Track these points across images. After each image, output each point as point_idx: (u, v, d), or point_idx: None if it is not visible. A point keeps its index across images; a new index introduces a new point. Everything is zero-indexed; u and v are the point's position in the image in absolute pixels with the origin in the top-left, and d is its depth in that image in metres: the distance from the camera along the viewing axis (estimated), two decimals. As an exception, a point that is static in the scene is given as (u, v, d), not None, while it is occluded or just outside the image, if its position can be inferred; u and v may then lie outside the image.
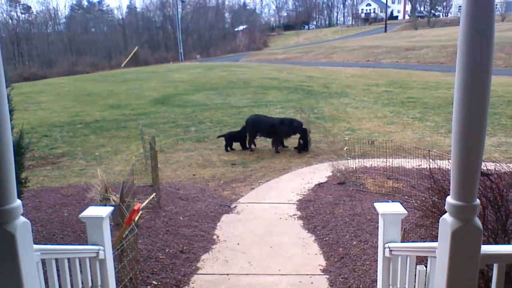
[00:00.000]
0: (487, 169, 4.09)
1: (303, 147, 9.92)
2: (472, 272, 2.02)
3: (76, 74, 35.56)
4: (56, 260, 2.80)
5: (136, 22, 71.20)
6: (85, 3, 76.98)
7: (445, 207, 1.99)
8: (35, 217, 6.01)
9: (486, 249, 2.10)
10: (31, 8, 65.17)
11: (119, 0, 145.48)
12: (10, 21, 59.67)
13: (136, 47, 55.60)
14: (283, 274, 4.74)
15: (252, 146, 10.23)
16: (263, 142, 10.49)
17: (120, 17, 74.70)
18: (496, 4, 55.92)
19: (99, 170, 6.75)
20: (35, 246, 2.33)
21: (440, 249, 2.09)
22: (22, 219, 1.98)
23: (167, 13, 69.68)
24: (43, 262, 2.63)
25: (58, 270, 2.82)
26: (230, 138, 10.34)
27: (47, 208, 6.52)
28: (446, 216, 2.00)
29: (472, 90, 1.77)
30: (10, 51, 52.20)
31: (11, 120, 5.36)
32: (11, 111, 5.13)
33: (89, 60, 50.79)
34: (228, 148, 10.26)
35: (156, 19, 72.36)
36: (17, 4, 62.73)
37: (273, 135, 10.13)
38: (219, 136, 10.71)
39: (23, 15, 63.28)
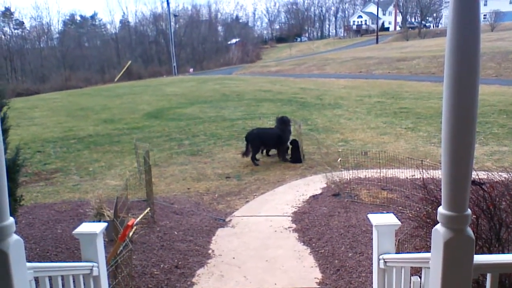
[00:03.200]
0: (480, 179, 4.12)
1: (296, 159, 9.97)
2: (465, 282, 2.03)
3: (69, 89, 35.51)
4: (50, 278, 2.78)
5: (129, 36, 71.46)
6: (78, 18, 77.31)
7: (437, 217, 2.00)
8: (28, 234, 5.96)
9: (479, 258, 2.11)
10: (24, 23, 65.36)
11: (112, 15, 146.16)
12: (3, 36, 59.75)
13: (129, 62, 55.74)
14: (279, 288, 4.72)
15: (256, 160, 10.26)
16: (257, 155, 10.48)
17: (113, 31, 75.02)
18: (485, 14, 56.83)
19: (93, 186, 6.72)
20: (28, 264, 2.31)
21: (433, 259, 2.10)
22: (15, 237, 1.97)
23: (160, 27, 70.08)
24: (37, 280, 2.61)
25: (51, 288, 2.79)
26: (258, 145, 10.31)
27: (41, 225, 6.46)
28: (438, 226, 2.01)
29: (460, 99, 1.78)
30: (3, 67, 52.13)
31: (6, 138, 5.32)
32: (6, 130, 5.12)
33: (82, 74, 50.80)
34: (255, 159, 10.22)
35: (149, 33, 72.72)
36: (10, 20, 62.86)
37: (278, 145, 10.29)
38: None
39: (16, 31, 63.40)
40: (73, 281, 3.02)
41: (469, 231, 1.97)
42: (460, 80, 1.77)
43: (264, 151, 10.70)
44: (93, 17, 79.65)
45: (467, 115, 1.80)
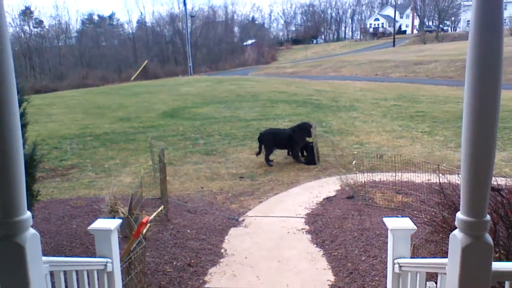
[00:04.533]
0: (498, 184, 4.05)
1: (311, 161, 9.94)
2: (483, 289, 1.99)
3: (86, 87, 35.89)
4: (65, 272, 2.80)
5: (146, 36, 71.98)
6: (96, 17, 78.17)
7: (455, 223, 1.97)
8: (44, 228, 6.03)
9: (497, 266, 2.07)
10: (43, 22, 66.25)
11: (129, 15, 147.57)
12: (22, 35, 60.63)
13: (146, 61, 56.13)
14: (291, 289, 4.70)
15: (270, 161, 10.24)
16: (271, 156, 10.46)
17: (130, 31, 75.64)
18: (505, 19, 55.93)
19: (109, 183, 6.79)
20: (44, 258, 2.34)
21: (450, 265, 2.06)
22: (32, 231, 1.99)
23: (176, 27, 70.43)
24: (52, 274, 2.64)
25: (66, 283, 2.82)
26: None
27: (56, 220, 6.55)
28: (456, 232, 1.98)
29: (481, 104, 1.76)
30: (22, 64, 52.95)
31: (24, 134, 5.40)
32: (25, 125, 5.20)
33: (99, 73, 51.27)
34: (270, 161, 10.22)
35: (165, 34, 73.11)
36: (30, 19, 63.86)
37: (290, 146, 10.30)
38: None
39: (35, 29, 64.33)
40: (87, 277, 3.05)
41: (488, 237, 1.94)
42: (482, 84, 1.74)
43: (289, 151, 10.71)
44: (111, 16, 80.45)
45: (488, 119, 1.77)
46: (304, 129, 10.21)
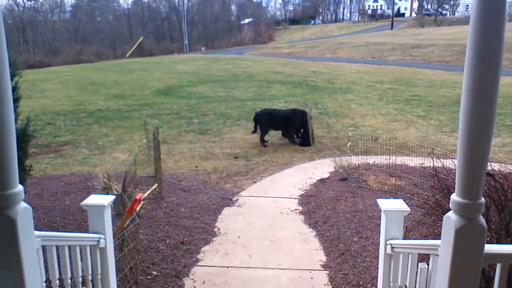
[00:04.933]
0: (492, 169, 4.06)
1: (306, 142, 9.93)
2: (474, 271, 2.01)
3: (81, 63, 35.54)
4: (57, 247, 2.80)
5: (141, 12, 71.04)
6: (91, -8, 76.86)
7: (450, 204, 1.97)
8: (37, 204, 6.02)
9: (489, 248, 2.08)
10: (37, -5, 65.08)
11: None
12: (16, 8, 59.65)
13: (141, 38, 55.53)
14: (283, 269, 4.74)
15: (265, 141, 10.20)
16: (266, 136, 10.44)
17: (126, 7, 74.69)
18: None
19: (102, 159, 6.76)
20: (36, 233, 2.32)
21: (443, 247, 2.07)
22: (23, 204, 1.98)
23: (172, 3, 69.49)
24: (44, 249, 2.63)
25: (58, 257, 2.82)
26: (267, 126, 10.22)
27: (49, 196, 6.53)
28: (450, 213, 1.98)
29: (480, 88, 1.75)
30: (16, 38, 52.15)
31: (16, 108, 5.33)
32: (17, 99, 5.13)
33: (94, 49, 50.72)
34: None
35: (161, 10, 72.18)
36: (23, -9, 62.66)
37: (287, 127, 10.22)
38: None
39: (29, 2, 63.23)
40: (80, 252, 3.05)
41: (482, 219, 1.95)
42: (481, 69, 1.72)
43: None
44: (106, -9, 79.15)
45: (487, 104, 1.77)
46: (301, 115, 10.03)
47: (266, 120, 10.06)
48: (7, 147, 1.82)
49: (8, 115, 1.80)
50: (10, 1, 58.94)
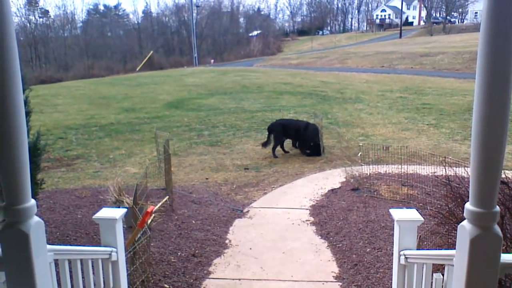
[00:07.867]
0: (506, 177, 4.00)
1: (316, 152, 9.90)
2: (491, 281, 1.97)
3: (92, 78, 35.96)
4: (69, 261, 2.80)
5: (151, 26, 71.88)
6: (101, 7, 78.13)
7: (464, 214, 1.94)
8: (49, 218, 6.05)
9: (505, 257, 2.04)
10: (49, 12, 66.34)
11: (134, 5, 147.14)
12: (28, 24, 60.70)
13: (151, 52, 56.09)
14: (295, 280, 4.69)
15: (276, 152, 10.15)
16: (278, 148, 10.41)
17: (136, 21, 75.62)
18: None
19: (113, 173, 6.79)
20: (48, 247, 2.33)
21: (458, 256, 2.04)
22: (36, 218, 1.99)
23: (182, 18, 70.32)
24: (56, 262, 2.64)
25: (70, 271, 2.82)
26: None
27: (61, 210, 6.57)
28: (465, 223, 1.95)
29: (493, 95, 1.73)
30: (28, 54, 53.04)
31: (28, 122, 5.40)
32: (28, 113, 5.20)
33: (104, 63, 51.38)
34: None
35: (171, 24, 73.01)
36: (36, 8, 63.86)
37: (301, 138, 10.18)
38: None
39: (41, 19, 64.37)
40: (92, 265, 3.05)
41: (497, 228, 1.91)
42: (493, 75, 1.70)
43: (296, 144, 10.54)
44: (116, 7, 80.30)
45: (500, 110, 1.74)
46: (313, 130, 9.96)
47: (279, 131, 10.06)
48: (20, 163, 1.83)
49: (20, 128, 1.82)
50: (23, 18, 60.08)
